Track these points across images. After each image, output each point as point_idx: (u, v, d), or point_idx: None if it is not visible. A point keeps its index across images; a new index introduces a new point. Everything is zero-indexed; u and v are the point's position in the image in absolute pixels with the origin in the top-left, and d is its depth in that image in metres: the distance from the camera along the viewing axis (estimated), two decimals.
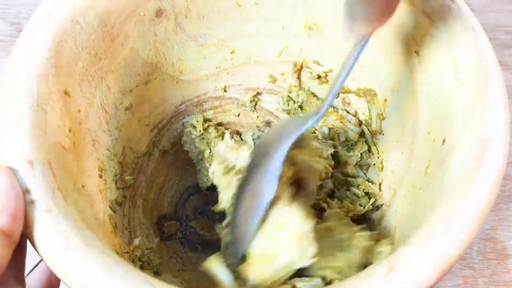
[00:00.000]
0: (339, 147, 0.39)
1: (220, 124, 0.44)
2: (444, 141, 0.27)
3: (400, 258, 0.22)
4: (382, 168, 0.37)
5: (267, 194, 0.29)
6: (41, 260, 0.31)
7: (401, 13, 0.30)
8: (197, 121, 0.42)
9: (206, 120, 0.43)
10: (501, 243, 0.45)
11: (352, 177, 0.39)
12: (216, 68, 0.41)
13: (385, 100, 0.36)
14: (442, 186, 0.25)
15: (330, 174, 0.38)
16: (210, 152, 0.42)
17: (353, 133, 0.39)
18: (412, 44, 0.30)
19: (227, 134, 0.42)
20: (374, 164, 0.38)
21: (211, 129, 0.42)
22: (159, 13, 0.35)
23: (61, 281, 0.31)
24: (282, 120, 0.35)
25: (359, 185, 0.39)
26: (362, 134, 0.39)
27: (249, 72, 0.42)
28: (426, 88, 0.30)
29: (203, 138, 0.42)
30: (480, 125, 0.25)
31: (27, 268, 0.30)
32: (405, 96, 0.33)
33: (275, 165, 0.30)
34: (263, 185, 0.30)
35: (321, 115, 0.29)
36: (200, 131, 0.42)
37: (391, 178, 0.36)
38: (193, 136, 0.42)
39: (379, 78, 0.35)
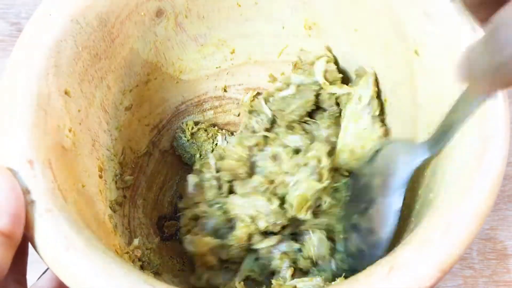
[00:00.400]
0: None
1: (214, 125, 0.44)
2: None
3: (400, 258, 0.22)
4: None
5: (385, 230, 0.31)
6: None
7: (401, 13, 0.30)
8: (186, 125, 0.42)
9: (196, 123, 0.43)
10: (501, 243, 0.45)
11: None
12: (216, 68, 0.41)
13: (385, 100, 0.36)
14: (442, 186, 0.25)
15: None
16: (200, 156, 0.42)
17: None
18: (412, 44, 0.30)
19: (219, 137, 0.42)
20: None
21: (201, 133, 0.42)
22: (159, 13, 0.35)
23: None
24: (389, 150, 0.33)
25: None
26: None
27: (249, 72, 0.42)
28: (426, 88, 0.30)
29: (193, 142, 0.42)
30: (480, 125, 0.25)
31: (37, 272, 0.30)
32: (405, 96, 0.33)
33: (393, 204, 0.30)
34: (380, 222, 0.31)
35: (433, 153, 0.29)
36: (189, 135, 0.42)
37: None
38: (182, 141, 0.42)
39: (379, 78, 0.35)
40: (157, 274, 0.35)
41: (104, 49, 0.32)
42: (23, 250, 0.24)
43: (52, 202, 0.23)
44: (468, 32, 0.27)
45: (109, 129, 0.34)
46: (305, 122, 0.39)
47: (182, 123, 0.42)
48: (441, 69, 0.28)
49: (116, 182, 0.36)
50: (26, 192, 0.23)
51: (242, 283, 0.34)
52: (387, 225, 0.31)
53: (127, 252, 0.32)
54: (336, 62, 0.38)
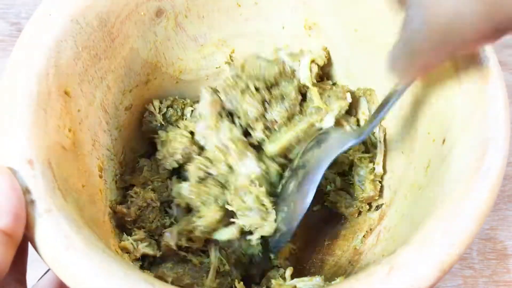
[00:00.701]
0: None
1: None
2: (444, 141, 0.27)
3: (400, 258, 0.22)
4: (373, 169, 0.37)
5: (306, 200, 0.34)
6: None
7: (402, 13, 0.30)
8: (153, 106, 0.39)
9: (161, 102, 0.40)
10: (501, 243, 0.45)
11: (346, 177, 0.39)
12: (216, 68, 0.41)
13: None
14: (442, 186, 0.25)
15: None
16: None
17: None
18: None
19: (188, 110, 0.39)
20: (371, 168, 0.38)
21: (170, 111, 0.39)
22: (159, 12, 0.35)
23: None
24: (326, 134, 0.36)
25: (351, 184, 0.38)
26: None
27: None
28: (426, 88, 0.30)
29: (162, 124, 0.39)
30: (480, 125, 0.25)
31: (37, 271, 0.30)
32: (405, 95, 0.33)
33: (315, 181, 0.34)
34: (303, 193, 0.34)
35: (361, 140, 0.33)
36: (160, 117, 0.39)
37: (391, 178, 0.36)
38: (152, 125, 0.39)
39: (378, 78, 0.35)
40: None
41: (104, 49, 0.32)
42: (23, 249, 0.24)
43: (52, 202, 0.23)
44: None
45: (109, 129, 0.34)
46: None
47: (148, 104, 0.39)
48: (441, 69, 0.28)
49: (116, 182, 0.36)
50: (26, 192, 0.23)
51: (241, 283, 0.34)
52: (305, 198, 0.34)
53: (127, 252, 0.32)
54: (327, 63, 0.38)
